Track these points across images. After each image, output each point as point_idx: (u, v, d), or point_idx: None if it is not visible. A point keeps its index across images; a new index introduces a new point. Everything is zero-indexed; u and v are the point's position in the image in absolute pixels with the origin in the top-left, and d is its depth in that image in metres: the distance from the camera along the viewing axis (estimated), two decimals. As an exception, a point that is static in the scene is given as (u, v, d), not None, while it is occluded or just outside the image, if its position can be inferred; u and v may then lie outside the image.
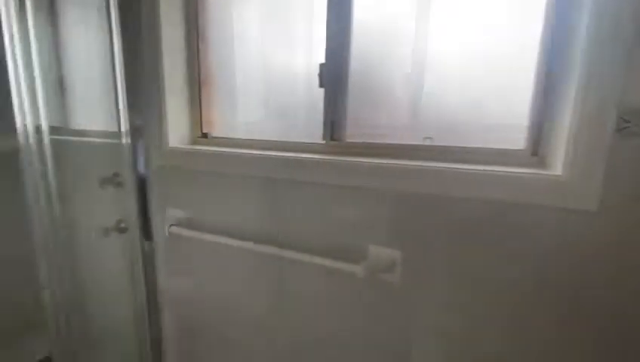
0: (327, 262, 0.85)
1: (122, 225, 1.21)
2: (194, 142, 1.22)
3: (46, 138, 0.87)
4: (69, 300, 0.98)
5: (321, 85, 0.97)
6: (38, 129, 0.86)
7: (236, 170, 1.00)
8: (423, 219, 0.78)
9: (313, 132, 1.00)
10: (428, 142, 0.89)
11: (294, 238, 0.95)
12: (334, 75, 0.94)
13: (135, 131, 1.13)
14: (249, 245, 0.97)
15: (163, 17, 1.06)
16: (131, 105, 1.11)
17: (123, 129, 1.10)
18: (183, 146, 1.15)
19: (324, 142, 0.99)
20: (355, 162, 0.83)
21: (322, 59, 0.95)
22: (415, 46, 0.87)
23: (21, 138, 0.82)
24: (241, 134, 1.15)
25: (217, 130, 1.22)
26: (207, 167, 1.06)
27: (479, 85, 0.81)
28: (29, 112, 0.82)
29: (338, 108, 0.96)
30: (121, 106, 1.07)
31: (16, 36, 0.80)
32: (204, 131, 1.22)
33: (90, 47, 1.20)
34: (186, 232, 1.09)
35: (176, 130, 1.16)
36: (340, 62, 0.94)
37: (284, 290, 1.02)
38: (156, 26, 1.06)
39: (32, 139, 0.84)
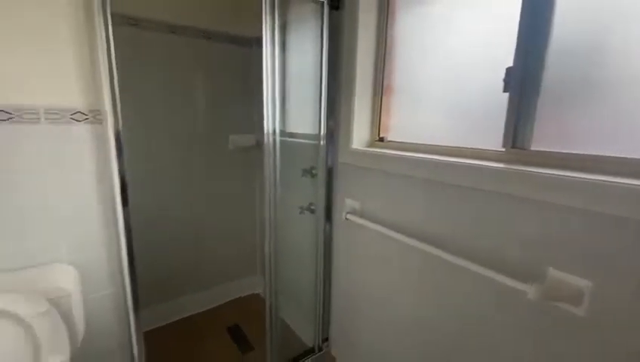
0: (494, 275, 0.82)
1: (312, 207, 1.54)
2: (371, 144, 1.40)
3: (277, 138, 1.25)
4: (276, 256, 1.36)
5: (505, 90, 0.92)
6: (273, 132, 1.24)
7: (409, 172, 1.10)
8: (635, 251, 0.64)
9: (492, 139, 0.97)
10: (657, 156, 0.70)
11: (460, 244, 0.96)
12: (523, 79, 0.88)
13: (329, 134, 1.43)
14: (412, 241, 1.05)
15: (360, 39, 1.28)
16: (328, 114, 1.41)
17: (321, 132, 1.40)
18: (362, 148, 1.35)
19: (504, 149, 0.95)
20: (542, 174, 0.76)
21: (507, 62, 0.91)
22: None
23: (265, 138, 1.21)
24: (415, 139, 1.23)
25: (393, 134, 1.36)
26: (382, 167, 1.21)
27: None
28: (271, 120, 1.21)
29: (524, 113, 0.90)
30: (322, 115, 1.38)
31: (269, 67, 1.18)
32: (381, 135, 1.39)
33: (303, 71, 1.57)
34: (358, 220, 1.29)
35: (359, 134, 1.37)
36: (532, 65, 0.87)
37: (440, 292, 1.05)
38: (353, 48, 1.29)
39: (270, 139, 1.22)
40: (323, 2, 1.29)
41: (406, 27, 1.26)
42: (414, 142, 1.23)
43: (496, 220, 0.87)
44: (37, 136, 1.02)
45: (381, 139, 1.38)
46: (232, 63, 1.94)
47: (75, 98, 1.05)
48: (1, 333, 0.91)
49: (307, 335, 1.72)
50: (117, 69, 0.92)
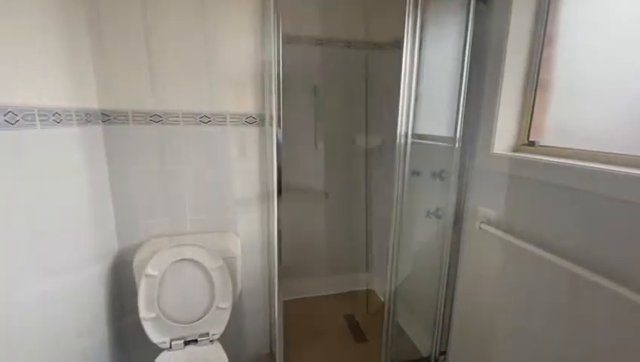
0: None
1: (439, 212, 1.49)
2: (518, 149, 1.25)
3: (409, 140, 1.27)
4: (398, 258, 1.38)
5: None
6: (405, 133, 1.26)
7: (573, 184, 0.93)
8: None
9: None
10: None
11: (631, 273, 0.77)
12: None
13: (464, 137, 1.34)
14: (570, 266, 0.90)
15: (512, 30, 1.15)
16: (465, 115, 1.33)
17: (457, 135, 1.33)
18: (506, 153, 1.22)
19: None
20: None
21: None
22: None
23: (397, 139, 1.25)
24: (580, 145, 1.04)
25: (548, 138, 1.17)
26: (532, 175, 1.07)
27: None
28: (404, 121, 1.23)
29: None
30: (459, 117, 1.31)
31: (407, 69, 1.21)
32: (531, 139, 1.22)
33: (441, 71, 1.52)
34: (494, 231, 1.18)
35: (503, 138, 1.24)
36: None
37: (604, 334, 0.85)
38: (502, 41, 1.17)
39: (402, 140, 1.25)
40: (471, -3, 1.22)
41: (577, 9, 1.07)
42: (579, 148, 1.03)
43: None
44: (224, 135, 1.34)
45: (531, 143, 1.21)
46: (366, 67, 2.05)
47: (248, 105, 1.34)
48: (192, 275, 1.26)
49: (422, 344, 1.67)
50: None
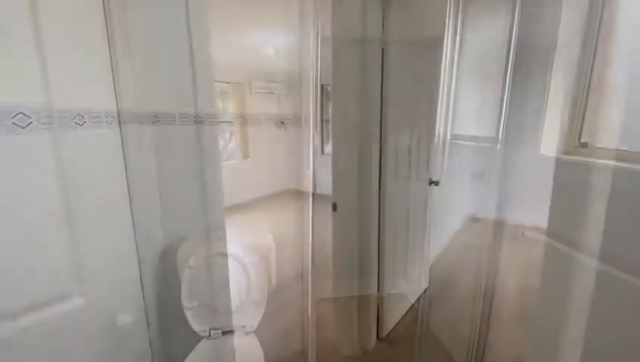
0: None
1: (478, 216, 1.43)
2: (568, 151, 1.16)
3: (447, 140, 1.24)
4: (434, 263, 1.35)
5: None
6: (444, 133, 1.23)
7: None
8: None
9: None
10: None
11: None
12: None
13: (508, 137, 1.28)
14: (629, 278, 0.83)
15: (563, 23, 1.09)
16: (509, 114, 1.26)
17: (500, 135, 1.28)
18: (555, 155, 1.15)
19: None
20: None
21: None
22: None
23: (436, 139, 1.23)
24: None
25: (603, 139, 1.08)
26: (587, 180, 0.99)
27: None
28: (444, 121, 1.21)
29: None
30: (503, 116, 1.25)
31: (447, 68, 1.18)
32: (583, 140, 1.13)
33: (481, 69, 1.46)
34: (541, 238, 1.11)
35: (550, 139, 1.17)
36: None
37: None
38: (552, 35, 1.11)
39: (441, 141, 1.22)
40: (518, -9, 1.17)
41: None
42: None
43: None
44: (259, 135, 1.39)
45: (583, 145, 1.13)
46: (401, 66, 2.00)
47: (285, 106, 1.38)
48: (231, 268, 1.31)
49: (457, 352, 1.62)
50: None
